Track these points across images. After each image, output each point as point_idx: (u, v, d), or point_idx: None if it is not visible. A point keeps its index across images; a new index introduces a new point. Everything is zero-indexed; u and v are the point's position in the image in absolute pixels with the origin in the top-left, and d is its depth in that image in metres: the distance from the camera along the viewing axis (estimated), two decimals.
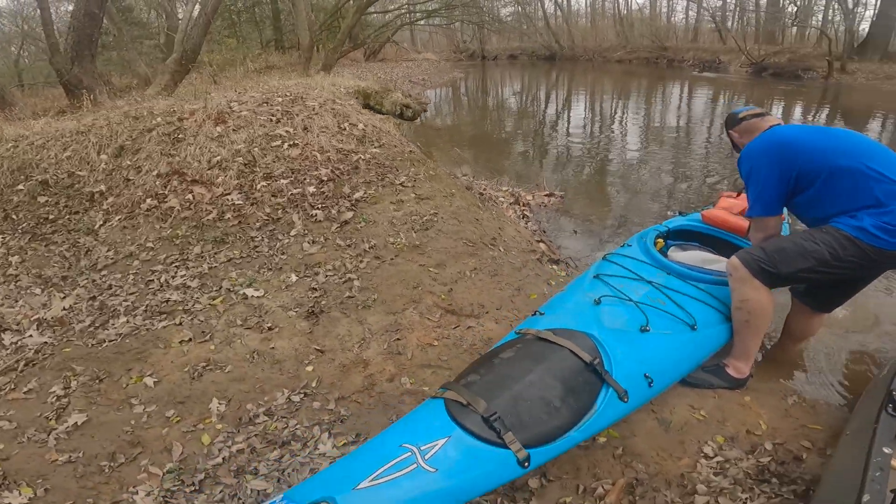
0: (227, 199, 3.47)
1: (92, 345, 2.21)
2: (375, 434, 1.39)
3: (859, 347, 2.31)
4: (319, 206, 3.33)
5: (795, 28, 18.65)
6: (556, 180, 5.34)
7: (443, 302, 2.46)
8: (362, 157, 3.81)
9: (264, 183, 3.58)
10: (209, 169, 3.77)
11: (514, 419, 1.29)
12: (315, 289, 2.61)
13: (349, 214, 3.22)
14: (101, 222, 3.29)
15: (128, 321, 2.39)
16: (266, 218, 3.29)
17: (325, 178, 3.60)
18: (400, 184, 3.51)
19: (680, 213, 3.10)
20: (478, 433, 1.25)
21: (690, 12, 24.51)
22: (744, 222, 2.77)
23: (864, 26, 16.07)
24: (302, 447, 1.65)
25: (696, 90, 12.99)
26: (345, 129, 4.19)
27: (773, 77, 14.39)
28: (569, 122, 9.21)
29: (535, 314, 1.84)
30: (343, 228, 3.12)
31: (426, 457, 1.18)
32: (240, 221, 3.29)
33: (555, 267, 3.02)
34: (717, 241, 2.90)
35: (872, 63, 14.15)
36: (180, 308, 2.49)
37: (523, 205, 4.33)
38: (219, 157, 3.83)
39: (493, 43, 23.78)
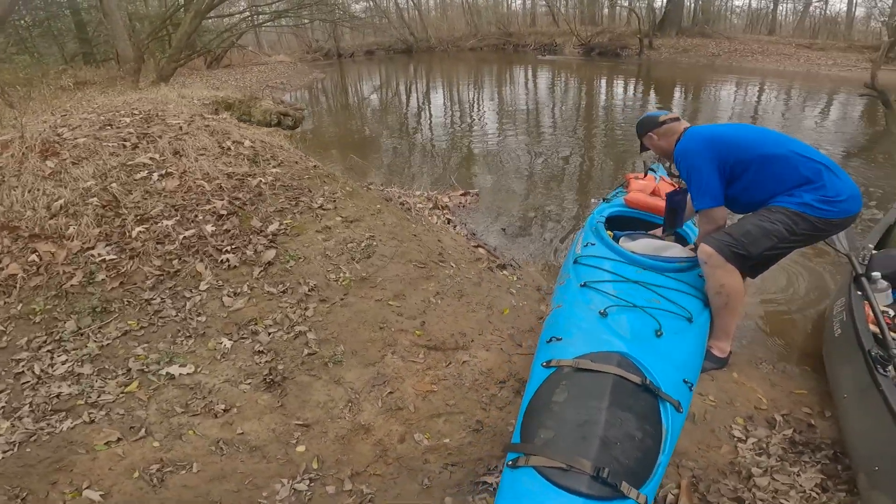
0: (93, 255, 2.76)
1: None
2: None
3: (778, 308, 2.73)
4: (228, 248, 2.83)
5: (607, 9, 21.52)
6: (462, 176, 5.35)
7: (420, 339, 2.28)
8: (262, 180, 3.33)
9: (141, 228, 2.92)
10: (52, 217, 2.95)
11: (617, 466, 1.22)
12: (262, 352, 2.21)
13: (271, 253, 2.79)
14: None
15: (13, 425, 1.76)
16: (159, 272, 2.69)
17: (223, 212, 3.06)
18: (319, 207, 3.15)
19: (604, 200, 3.32)
20: (596, 495, 1.15)
21: None
22: (660, 202, 3.09)
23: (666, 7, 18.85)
24: None
25: (544, 73, 14.28)
26: (229, 148, 3.62)
27: (600, 56, 16.44)
28: (451, 115, 9.37)
29: (550, 341, 1.78)
30: (268, 271, 2.69)
31: None
32: (122, 283, 2.63)
33: (505, 272, 3.01)
34: (645, 223, 3.19)
35: (671, 38, 16.92)
36: (81, 402, 1.92)
37: (443, 208, 4.25)
38: (62, 201, 3.02)
39: (347, 40, 22.89)
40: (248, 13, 15.39)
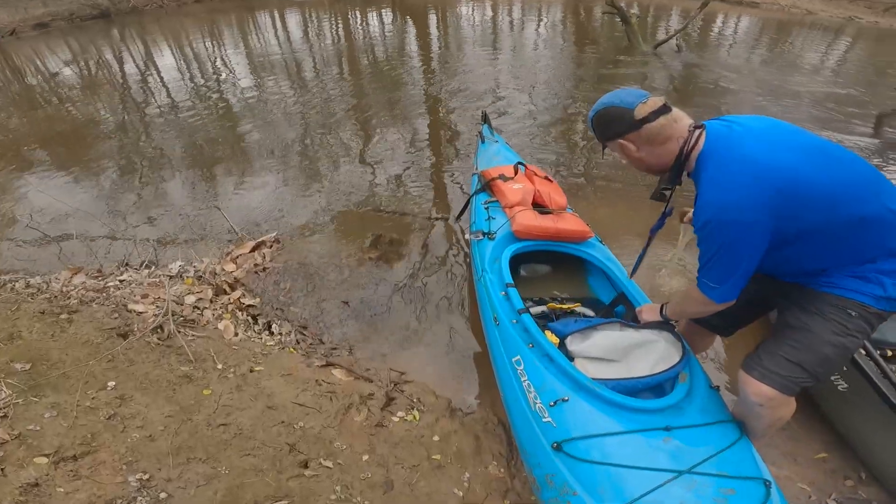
0: None
1: None
2: None
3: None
4: None
5: None
6: (241, 210, 3.74)
7: None
8: None
9: None
10: None
11: None
12: None
13: None
14: None
15: None
16: None
17: None
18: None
19: (486, 236, 2.37)
20: None
21: None
22: (552, 224, 2.27)
23: None
24: None
25: (294, 16, 12.16)
26: None
27: None
28: (195, 85, 6.87)
29: None
30: None
31: None
32: None
33: (401, 414, 1.90)
34: (548, 254, 2.38)
35: None
36: None
37: (231, 287, 2.78)
38: None
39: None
40: None
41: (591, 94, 6.14)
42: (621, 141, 1.32)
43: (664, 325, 1.64)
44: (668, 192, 1.44)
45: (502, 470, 1.68)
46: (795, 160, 1.15)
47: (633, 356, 1.57)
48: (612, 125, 1.32)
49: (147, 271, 2.90)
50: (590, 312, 2.13)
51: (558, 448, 1.37)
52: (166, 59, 8.60)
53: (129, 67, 8.22)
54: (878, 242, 1.17)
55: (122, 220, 3.67)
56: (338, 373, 2.13)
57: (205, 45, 9.51)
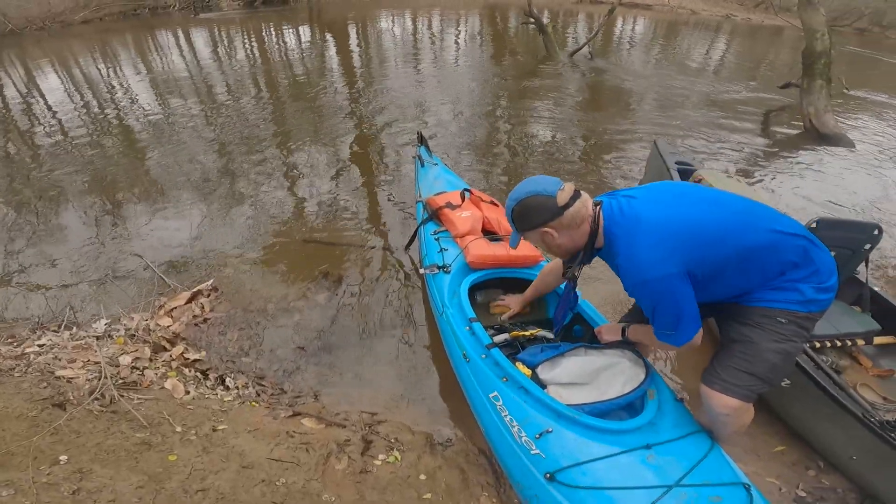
0: None
1: None
2: None
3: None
4: None
5: None
6: (162, 250, 3.51)
7: None
8: None
9: None
10: None
11: None
12: None
13: None
14: None
15: None
16: None
17: None
18: None
19: (441, 270, 2.45)
20: None
21: None
22: (510, 251, 2.42)
23: None
24: None
25: (202, 34, 11.60)
26: None
27: (266, 5, 14.66)
28: (87, 110, 6.30)
29: None
30: None
31: None
32: None
33: (383, 457, 1.92)
34: (505, 281, 2.51)
35: None
36: None
37: (171, 342, 2.61)
38: None
39: None
40: None
41: (517, 110, 6.51)
42: (544, 229, 1.45)
43: (625, 343, 1.81)
44: (577, 272, 1.61)
45: (494, 500, 1.76)
46: (684, 211, 1.39)
47: (602, 378, 1.73)
48: (537, 214, 1.43)
49: (68, 333, 2.64)
50: (550, 335, 2.27)
51: (552, 478, 1.48)
52: (52, 84, 7.86)
53: (10, 92, 7.40)
54: (778, 258, 1.41)
55: (21, 271, 3.30)
56: (308, 422, 2.09)
57: (98, 69, 8.79)
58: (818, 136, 5.80)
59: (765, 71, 9.46)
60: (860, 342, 2.38)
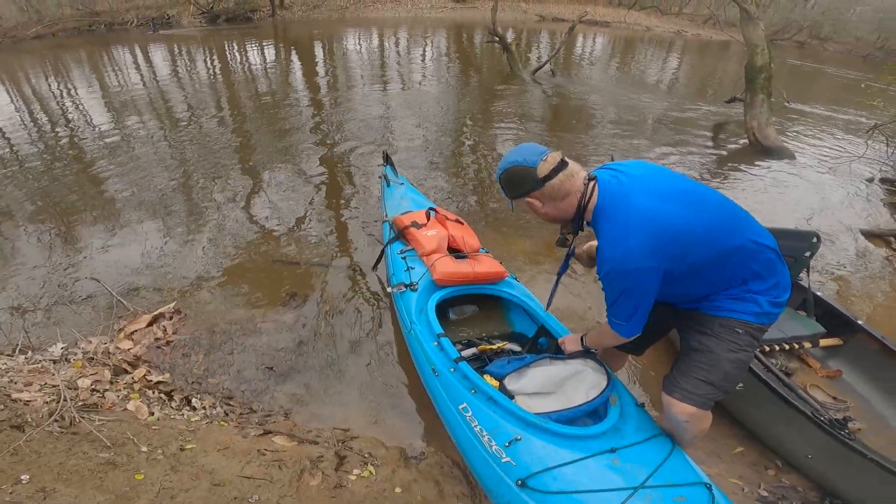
0: None
1: None
2: None
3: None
4: None
5: None
6: (119, 273, 3.45)
7: None
8: None
9: None
10: None
11: None
12: None
13: None
14: None
15: None
16: None
17: None
18: None
19: (408, 288, 2.51)
20: None
21: None
22: (476, 267, 2.51)
23: None
24: None
25: (160, 51, 11.45)
26: None
27: (228, 23, 14.68)
28: (38, 130, 6.09)
29: None
30: None
31: None
32: None
33: (357, 472, 1.95)
34: (471, 297, 2.60)
35: None
36: None
37: (131, 366, 2.57)
38: None
39: None
40: None
41: (482, 129, 6.70)
42: (528, 199, 1.53)
43: (587, 353, 1.92)
44: (570, 238, 1.68)
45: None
46: (676, 210, 1.42)
47: (567, 387, 1.83)
48: (519, 185, 1.51)
49: (23, 357, 2.56)
50: (517, 348, 2.37)
51: (523, 485, 1.55)
52: (1, 101, 7.58)
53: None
54: (747, 267, 1.52)
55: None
56: (279, 440, 2.10)
57: (50, 86, 8.58)
58: (762, 149, 6.19)
59: (713, 86, 10.09)
60: (807, 345, 2.56)
